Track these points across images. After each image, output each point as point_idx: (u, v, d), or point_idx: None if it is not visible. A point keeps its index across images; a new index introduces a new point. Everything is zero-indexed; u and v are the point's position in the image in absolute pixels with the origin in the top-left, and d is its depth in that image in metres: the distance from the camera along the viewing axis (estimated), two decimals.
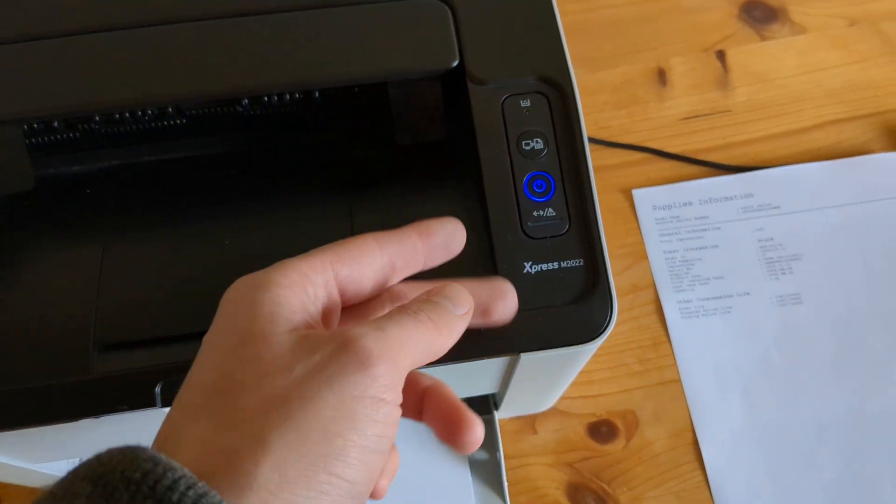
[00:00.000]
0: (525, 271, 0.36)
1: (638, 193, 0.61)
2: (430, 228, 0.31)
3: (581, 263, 0.37)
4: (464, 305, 0.30)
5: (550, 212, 0.37)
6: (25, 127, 0.37)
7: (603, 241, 0.37)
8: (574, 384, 0.52)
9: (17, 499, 0.51)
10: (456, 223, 0.32)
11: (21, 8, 0.38)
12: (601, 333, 0.36)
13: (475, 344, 0.35)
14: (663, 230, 0.60)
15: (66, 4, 0.38)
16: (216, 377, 0.25)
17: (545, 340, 0.36)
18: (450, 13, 0.39)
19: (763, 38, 0.69)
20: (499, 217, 0.37)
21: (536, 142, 0.38)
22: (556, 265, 0.37)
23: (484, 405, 0.51)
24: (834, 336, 0.56)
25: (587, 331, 0.36)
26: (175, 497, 0.21)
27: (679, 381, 0.55)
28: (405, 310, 0.28)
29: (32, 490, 0.50)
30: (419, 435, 0.52)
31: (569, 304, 0.36)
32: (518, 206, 0.37)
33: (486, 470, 0.51)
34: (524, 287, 0.36)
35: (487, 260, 0.36)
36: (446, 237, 0.32)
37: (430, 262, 0.32)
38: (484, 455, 0.51)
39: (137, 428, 0.39)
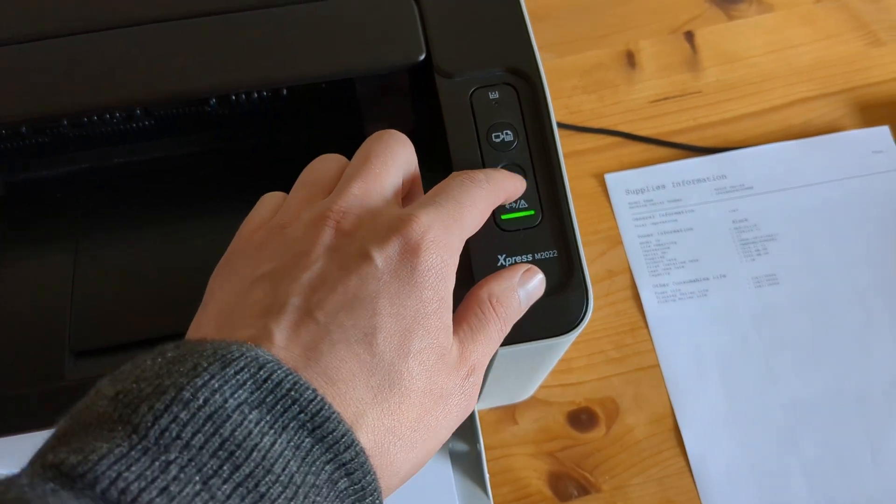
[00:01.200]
0: (499, 264, 0.38)
1: (610, 178, 0.63)
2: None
3: (555, 255, 0.38)
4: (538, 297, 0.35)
5: (523, 203, 0.39)
6: None
7: (577, 232, 0.39)
8: (553, 372, 0.54)
9: None
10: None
11: None
12: (578, 325, 0.38)
13: None
14: (637, 214, 0.62)
15: (29, 9, 0.39)
16: None
17: (521, 334, 0.37)
18: (415, 6, 0.40)
19: (731, 18, 0.71)
20: None
21: (506, 133, 0.39)
22: (529, 257, 0.38)
23: None
24: (811, 316, 0.59)
25: (564, 323, 0.38)
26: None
27: (658, 366, 0.57)
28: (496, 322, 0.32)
29: None
30: None
31: (545, 295, 0.38)
32: None
33: (467, 462, 0.53)
34: None
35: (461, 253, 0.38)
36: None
37: None
38: (464, 447, 0.53)
39: None
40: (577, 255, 0.38)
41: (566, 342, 0.39)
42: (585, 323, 0.38)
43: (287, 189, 0.40)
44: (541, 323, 0.37)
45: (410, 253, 0.28)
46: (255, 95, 0.40)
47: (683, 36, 0.70)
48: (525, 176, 0.39)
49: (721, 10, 0.71)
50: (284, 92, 0.40)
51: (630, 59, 0.68)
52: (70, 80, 0.37)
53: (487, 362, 0.31)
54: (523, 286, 0.34)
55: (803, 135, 0.66)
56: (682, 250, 0.60)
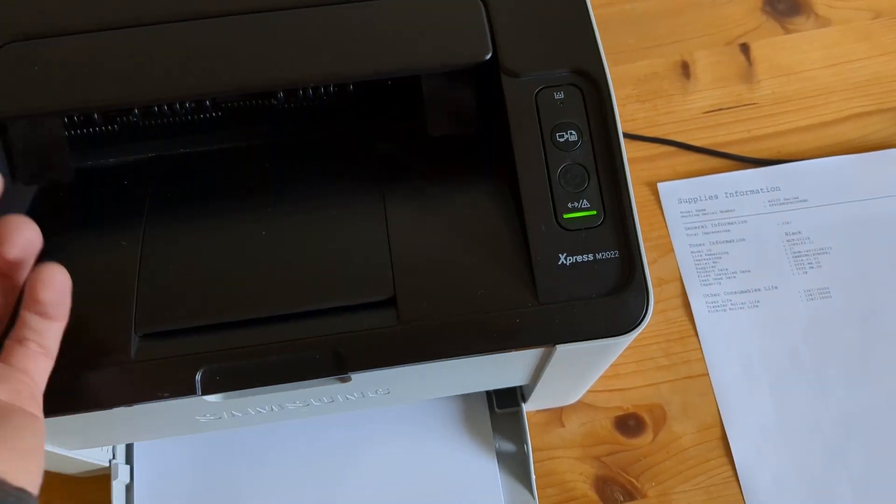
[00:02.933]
0: (560, 263, 0.37)
1: (663, 187, 0.61)
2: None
3: (616, 255, 0.37)
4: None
5: (585, 203, 0.38)
6: (66, 119, 0.38)
7: (638, 233, 0.37)
8: (601, 377, 0.52)
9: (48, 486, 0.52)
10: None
11: (63, 4, 0.39)
12: (637, 325, 0.37)
13: (511, 335, 0.36)
14: (689, 223, 0.60)
15: (107, 1, 0.39)
16: None
17: (581, 332, 0.36)
18: (482, 6, 0.40)
19: (787, 31, 0.69)
20: (533, 208, 0.37)
21: (570, 133, 0.39)
22: (591, 257, 0.37)
23: (511, 397, 0.52)
24: (862, 330, 0.57)
25: (623, 323, 0.37)
26: None
27: (707, 375, 0.55)
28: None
29: (66, 477, 0.51)
30: (447, 427, 0.53)
31: (604, 295, 0.36)
32: (552, 197, 0.37)
33: (514, 462, 0.52)
34: (560, 279, 0.36)
35: (521, 252, 0.37)
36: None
37: None
38: (511, 447, 0.52)
39: (174, 416, 0.40)
40: (639, 256, 0.37)
41: (624, 342, 0.38)
42: (645, 324, 0.37)
43: (345, 183, 0.40)
44: (601, 322, 0.36)
45: None
46: (322, 90, 0.40)
47: (739, 48, 0.68)
48: (588, 176, 0.38)
49: (777, 23, 0.69)
50: (351, 88, 0.40)
51: (685, 69, 0.67)
52: (143, 70, 0.37)
53: None
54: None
55: (859, 150, 0.64)
56: (734, 261, 0.59)
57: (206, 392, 0.35)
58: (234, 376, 0.35)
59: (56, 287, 0.31)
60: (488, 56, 0.39)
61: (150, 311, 0.36)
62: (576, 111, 0.39)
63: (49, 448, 0.41)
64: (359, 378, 0.37)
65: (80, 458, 0.45)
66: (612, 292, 0.36)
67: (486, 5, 0.40)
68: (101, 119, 0.39)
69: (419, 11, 0.39)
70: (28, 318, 0.32)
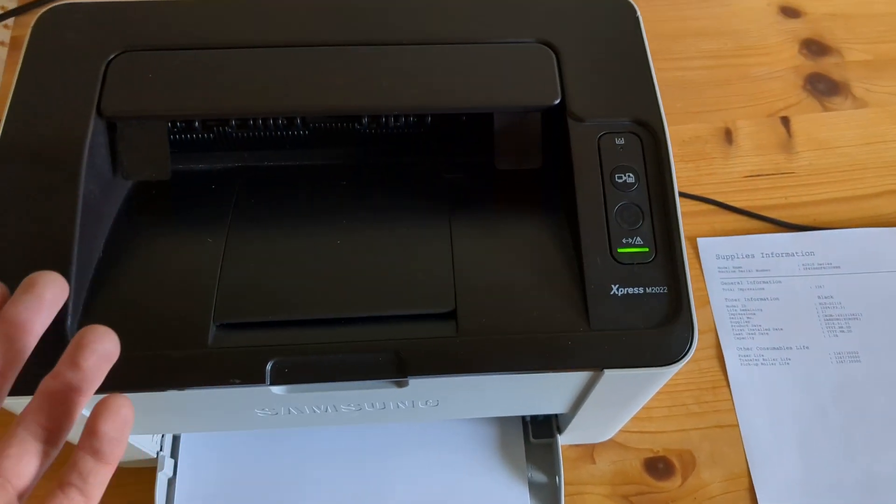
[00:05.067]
0: (612, 293, 0.38)
1: (703, 242, 0.63)
2: None
3: (665, 291, 0.38)
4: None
5: (638, 240, 0.39)
6: (170, 124, 0.41)
7: (687, 272, 0.39)
8: (633, 419, 0.53)
9: None
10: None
11: (180, 21, 0.42)
12: (682, 357, 0.37)
13: (562, 357, 0.37)
14: (726, 279, 0.61)
15: (224, 22, 0.42)
16: None
17: (628, 360, 0.37)
18: (554, 57, 0.42)
19: (826, 109, 0.71)
20: (590, 241, 0.39)
21: (629, 176, 0.40)
22: (641, 290, 0.38)
23: (547, 428, 0.52)
24: (890, 396, 0.57)
25: (668, 354, 0.38)
26: None
27: (737, 425, 0.55)
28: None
29: None
30: (482, 453, 0.53)
31: (652, 327, 0.38)
32: (608, 232, 0.39)
33: (545, 493, 0.52)
34: (611, 308, 0.38)
35: (576, 280, 0.38)
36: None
37: None
38: (543, 478, 0.52)
39: (235, 407, 0.41)
40: (687, 293, 0.38)
41: (668, 374, 0.39)
42: (690, 356, 0.38)
43: (415, 205, 0.42)
44: (647, 352, 0.37)
45: None
46: (403, 119, 0.42)
47: (780, 120, 0.70)
48: (643, 215, 0.40)
49: (817, 100, 0.71)
50: (429, 119, 0.43)
51: (728, 135, 0.69)
52: (246, 86, 0.40)
53: None
54: None
55: (890, 224, 0.65)
56: (767, 318, 0.59)
57: (274, 382, 0.36)
58: (302, 370, 0.37)
59: (119, 420, 0.28)
60: (557, 101, 0.41)
61: (229, 303, 0.37)
62: (634, 157, 0.41)
63: None
64: (415, 384, 0.38)
65: (133, 443, 0.47)
66: (659, 325, 0.38)
67: (557, 56, 0.42)
68: (200, 127, 0.41)
69: (499, 57, 0.42)
70: (79, 459, 0.28)
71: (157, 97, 0.40)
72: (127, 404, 0.28)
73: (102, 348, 0.29)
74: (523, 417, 0.54)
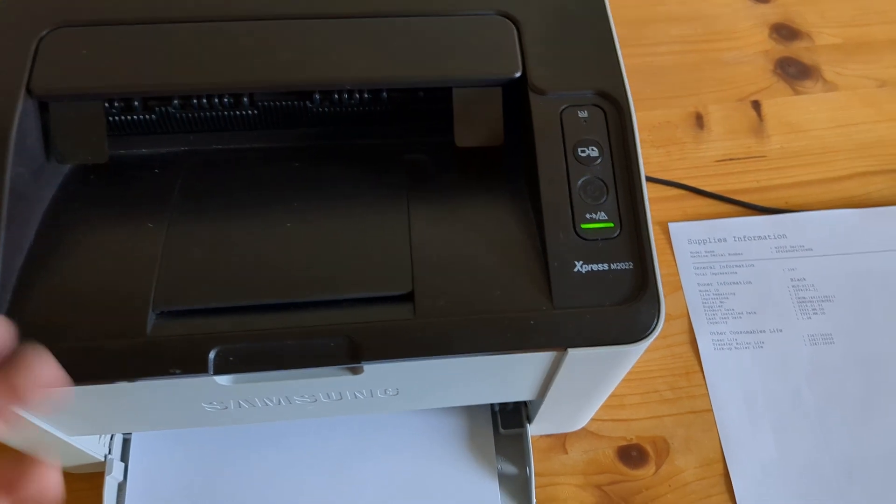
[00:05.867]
0: (576, 270, 0.36)
1: (674, 227, 0.61)
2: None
3: (630, 266, 0.36)
4: None
5: (602, 215, 0.37)
6: (106, 104, 0.38)
7: (653, 247, 0.37)
8: (605, 407, 0.51)
9: None
10: None
11: None
12: (649, 334, 0.36)
13: (524, 336, 0.35)
14: (698, 263, 0.59)
15: None
16: None
17: (593, 338, 0.35)
18: (514, 28, 0.40)
19: (797, 93, 0.70)
20: (552, 217, 0.37)
21: (592, 149, 0.38)
22: (605, 266, 0.36)
23: (516, 418, 0.50)
24: (864, 377, 0.55)
25: (634, 331, 0.36)
26: None
27: (711, 411, 0.54)
28: None
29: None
30: (451, 444, 0.51)
31: (618, 304, 0.36)
32: (572, 207, 0.37)
33: (515, 485, 0.50)
34: (574, 285, 0.36)
35: (539, 258, 0.36)
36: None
37: None
38: (514, 470, 0.50)
39: (180, 401, 0.39)
40: (653, 268, 0.36)
41: (634, 352, 0.37)
42: (656, 334, 0.36)
43: (371, 186, 0.40)
44: (613, 329, 0.35)
45: None
46: (357, 96, 0.40)
47: (750, 104, 0.68)
48: (607, 190, 0.38)
49: (788, 84, 0.70)
50: (384, 95, 0.40)
51: (699, 120, 0.67)
52: (186, 61, 0.38)
53: None
54: None
55: (862, 205, 0.64)
56: (740, 301, 0.58)
57: (218, 372, 0.34)
58: (248, 358, 0.34)
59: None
60: (518, 74, 0.39)
61: (169, 290, 0.35)
62: (598, 129, 0.39)
63: (48, 429, 0.40)
64: (371, 371, 0.35)
65: (77, 446, 0.44)
66: (624, 301, 0.36)
67: (518, 28, 0.40)
68: (140, 106, 0.39)
69: (456, 29, 0.40)
70: None
71: (92, 74, 0.37)
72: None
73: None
74: (492, 407, 0.51)
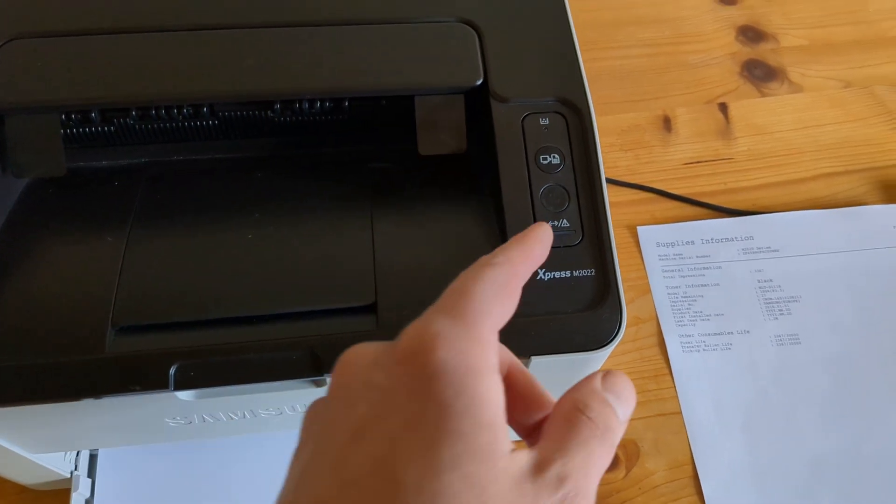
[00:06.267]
0: (538, 278, 0.36)
1: (643, 230, 0.61)
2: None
3: (592, 273, 0.36)
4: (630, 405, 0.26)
5: (565, 223, 0.37)
6: (63, 116, 0.38)
7: (614, 254, 0.37)
8: None
9: (9, 496, 0.49)
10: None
11: (67, 6, 0.39)
12: (611, 341, 0.36)
13: None
14: (666, 266, 0.60)
15: (123, 5, 0.39)
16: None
17: (556, 345, 0.35)
18: (476, 36, 0.40)
19: (763, 95, 0.71)
20: (515, 225, 0.37)
21: (553, 157, 0.38)
22: (568, 273, 0.36)
23: None
24: (831, 376, 0.56)
25: (597, 338, 0.36)
26: None
27: (680, 413, 0.54)
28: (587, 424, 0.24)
29: (23, 490, 0.48)
30: None
31: (580, 311, 0.36)
32: (534, 215, 0.37)
33: None
34: (537, 293, 0.36)
35: None
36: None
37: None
38: None
39: (142, 417, 0.38)
40: (614, 275, 0.36)
41: (599, 358, 0.37)
42: (618, 340, 0.36)
43: (334, 197, 0.39)
44: (575, 337, 0.35)
45: (414, 356, 0.24)
46: (318, 105, 0.40)
47: (718, 107, 0.69)
48: (569, 197, 0.38)
49: (754, 86, 0.71)
50: (346, 104, 0.40)
51: (666, 123, 0.68)
52: (144, 71, 0.37)
53: (591, 477, 0.23)
54: (609, 390, 0.26)
55: (827, 206, 0.64)
56: (708, 304, 0.58)
57: (179, 388, 0.33)
58: (209, 373, 0.34)
59: None
60: (479, 81, 0.39)
61: (128, 305, 0.34)
62: (559, 137, 0.39)
63: (9, 447, 0.39)
64: None
65: (41, 463, 0.43)
66: (587, 308, 0.36)
67: (479, 35, 0.40)
68: (98, 118, 0.38)
69: (418, 37, 0.40)
70: None
71: (48, 86, 0.36)
72: None
73: None
74: None
